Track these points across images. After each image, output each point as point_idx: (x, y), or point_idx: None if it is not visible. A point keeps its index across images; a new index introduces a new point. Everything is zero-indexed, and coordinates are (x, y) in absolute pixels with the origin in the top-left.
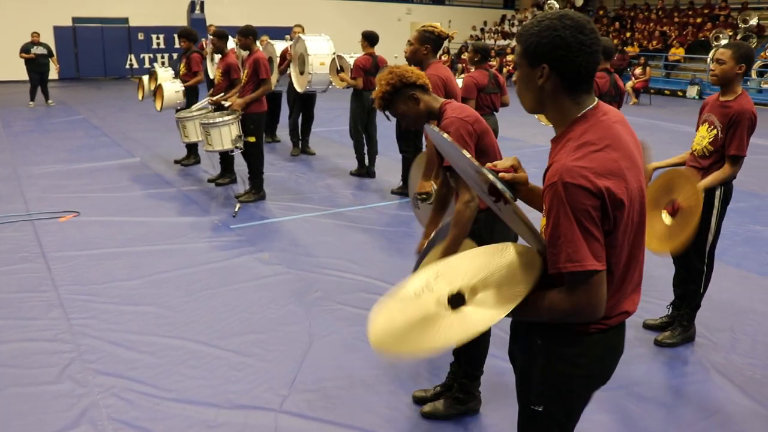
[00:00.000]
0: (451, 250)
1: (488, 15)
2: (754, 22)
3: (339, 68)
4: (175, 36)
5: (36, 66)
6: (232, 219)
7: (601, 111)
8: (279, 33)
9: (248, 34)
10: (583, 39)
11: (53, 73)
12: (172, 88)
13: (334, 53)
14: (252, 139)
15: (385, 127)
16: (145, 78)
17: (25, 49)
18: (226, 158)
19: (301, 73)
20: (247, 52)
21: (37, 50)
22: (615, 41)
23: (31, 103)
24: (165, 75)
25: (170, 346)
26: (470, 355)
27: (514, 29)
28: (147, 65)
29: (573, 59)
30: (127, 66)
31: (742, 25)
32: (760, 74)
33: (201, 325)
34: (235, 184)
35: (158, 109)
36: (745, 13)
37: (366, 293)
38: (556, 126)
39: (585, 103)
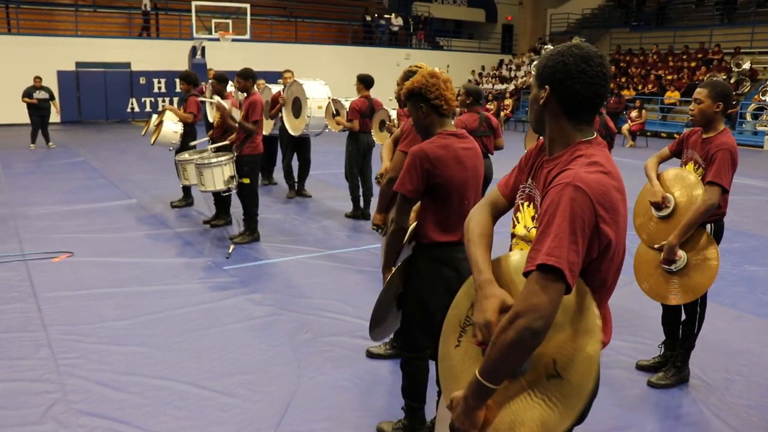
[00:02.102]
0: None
1: (486, 60)
2: (746, 66)
3: (335, 112)
4: (176, 80)
5: (37, 110)
6: (225, 260)
7: (601, 143)
8: (278, 77)
9: (247, 77)
10: (585, 68)
11: (54, 116)
12: (171, 128)
13: (329, 97)
14: (246, 181)
15: (376, 170)
16: (155, 116)
17: (28, 93)
18: (221, 200)
19: (296, 116)
20: (245, 95)
21: (39, 95)
22: (611, 85)
23: (31, 145)
24: (172, 116)
25: (157, 386)
26: (405, 388)
27: (512, 73)
28: (148, 109)
29: (571, 85)
30: (129, 110)
31: (735, 69)
32: (755, 117)
33: (189, 366)
34: (230, 226)
35: (151, 143)
36: (737, 58)
37: (357, 334)
38: (552, 145)
39: (586, 133)
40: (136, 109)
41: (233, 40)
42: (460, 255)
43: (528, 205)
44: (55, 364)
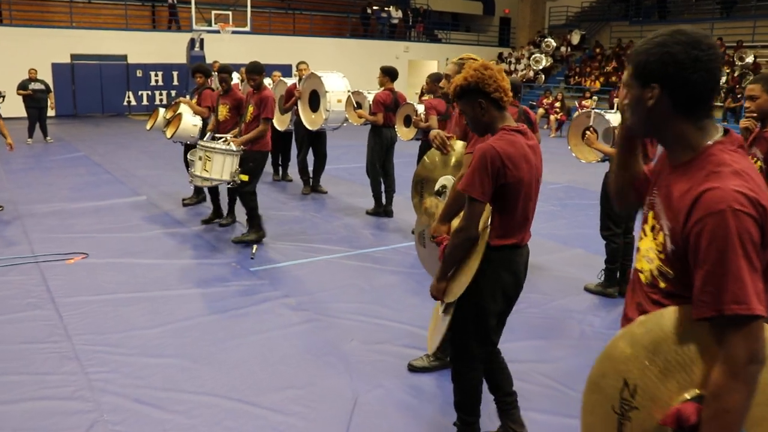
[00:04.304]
0: (441, 276)
1: (485, 53)
2: (750, 59)
3: (356, 104)
4: (174, 73)
5: (34, 102)
6: (251, 261)
7: (735, 140)
8: (278, 70)
9: (261, 72)
10: (698, 54)
11: (50, 110)
12: (191, 121)
13: (349, 90)
14: (245, 178)
15: (398, 165)
16: (162, 109)
17: (23, 86)
18: (215, 195)
19: (314, 110)
20: (255, 90)
21: (35, 86)
22: (613, 78)
23: (29, 140)
24: (187, 108)
25: (202, 403)
26: (459, 402)
27: (512, 67)
28: (145, 102)
29: (686, 76)
30: (125, 103)
31: (738, 63)
32: None
33: (233, 380)
34: (235, 224)
35: (168, 136)
36: (741, 51)
37: (404, 342)
38: (673, 152)
39: (709, 130)
40: (133, 103)
41: (233, 32)
42: (519, 258)
43: (652, 216)
44: (86, 379)
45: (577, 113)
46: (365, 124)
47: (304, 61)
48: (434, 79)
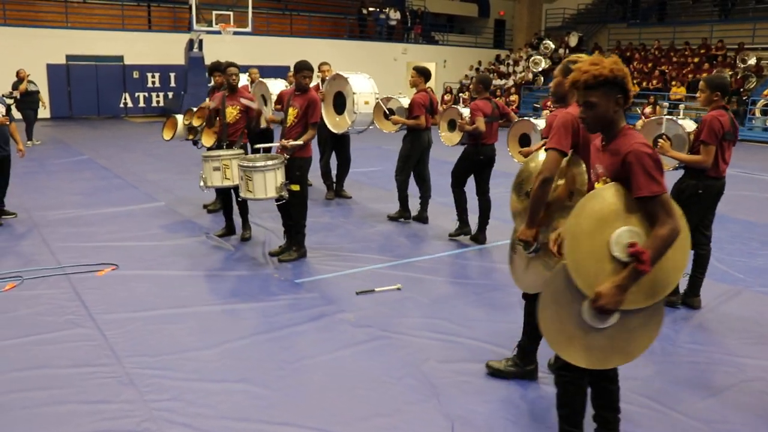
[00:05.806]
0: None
1: (482, 55)
2: (752, 61)
3: (387, 111)
4: (171, 75)
5: (30, 103)
6: (293, 272)
7: None
8: (275, 72)
9: (312, 69)
10: None
11: (43, 112)
12: None
13: (377, 94)
14: (296, 188)
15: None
16: (179, 116)
17: (16, 86)
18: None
19: (339, 113)
20: (294, 89)
21: (30, 87)
22: None
23: (29, 142)
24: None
25: None
26: (563, 412)
27: (510, 69)
28: (142, 104)
29: None
30: (122, 105)
31: (740, 65)
32: (764, 113)
33: (310, 407)
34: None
35: (207, 145)
36: (743, 53)
37: (485, 359)
38: None
39: None
40: (129, 105)
41: (234, 33)
42: None
43: None
44: (146, 408)
45: (640, 120)
46: (401, 129)
47: (327, 62)
48: (480, 81)
